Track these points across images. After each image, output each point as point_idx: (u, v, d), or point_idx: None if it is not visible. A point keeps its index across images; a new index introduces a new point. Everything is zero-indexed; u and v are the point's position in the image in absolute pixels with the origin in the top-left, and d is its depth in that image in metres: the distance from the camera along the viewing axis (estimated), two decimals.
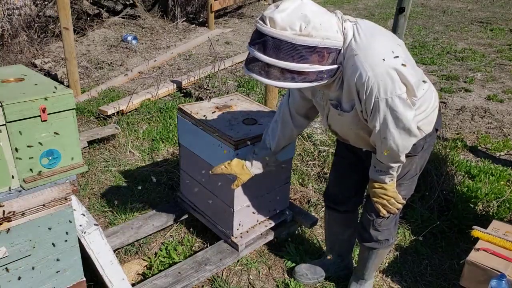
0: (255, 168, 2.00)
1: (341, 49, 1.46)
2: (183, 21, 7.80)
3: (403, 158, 1.66)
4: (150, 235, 2.54)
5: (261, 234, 2.44)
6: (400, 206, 1.82)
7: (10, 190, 1.50)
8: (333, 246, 2.29)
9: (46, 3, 6.55)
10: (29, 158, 1.50)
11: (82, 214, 2.05)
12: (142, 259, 2.43)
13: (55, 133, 1.53)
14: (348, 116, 1.63)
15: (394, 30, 2.55)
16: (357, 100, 1.53)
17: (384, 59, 1.43)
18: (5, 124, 1.41)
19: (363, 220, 1.98)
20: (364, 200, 2.09)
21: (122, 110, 4.12)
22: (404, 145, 1.59)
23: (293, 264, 2.38)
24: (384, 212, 1.82)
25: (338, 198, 2.12)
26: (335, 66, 1.47)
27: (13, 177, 1.49)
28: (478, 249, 2.12)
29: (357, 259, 2.42)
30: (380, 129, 1.55)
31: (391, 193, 1.78)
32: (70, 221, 1.70)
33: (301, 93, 1.85)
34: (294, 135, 2.00)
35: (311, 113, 1.93)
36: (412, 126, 1.54)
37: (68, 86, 3.72)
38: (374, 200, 1.82)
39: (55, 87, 1.54)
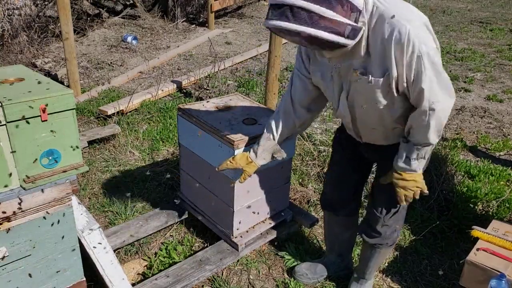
0: (260, 159, 1.96)
1: (361, 11, 1.41)
2: (183, 21, 7.81)
3: (440, 135, 1.62)
4: (150, 235, 2.54)
5: (261, 234, 2.44)
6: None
7: (10, 190, 1.50)
8: (333, 246, 2.28)
9: (46, 3, 6.55)
10: (29, 158, 1.50)
11: (82, 214, 2.05)
12: (142, 259, 2.43)
13: (55, 133, 1.53)
14: (378, 84, 1.53)
15: None
16: (393, 65, 1.46)
17: (415, 14, 1.45)
18: (5, 124, 1.41)
19: (370, 217, 1.95)
20: (368, 197, 2.07)
21: (122, 110, 4.12)
22: (448, 107, 1.54)
23: (293, 264, 2.38)
24: (405, 203, 1.77)
25: (336, 205, 2.10)
26: (359, 25, 1.41)
27: (13, 176, 1.49)
28: (478, 249, 2.12)
29: (357, 258, 2.42)
30: (427, 91, 1.48)
31: (421, 183, 1.71)
32: (70, 221, 1.70)
33: (303, 82, 1.81)
34: (296, 127, 1.95)
35: (313, 105, 1.89)
36: (450, 84, 1.52)
37: (68, 86, 3.72)
38: (402, 192, 1.73)
39: (55, 87, 1.54)
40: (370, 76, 1.53)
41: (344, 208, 2.09)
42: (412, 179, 1.70)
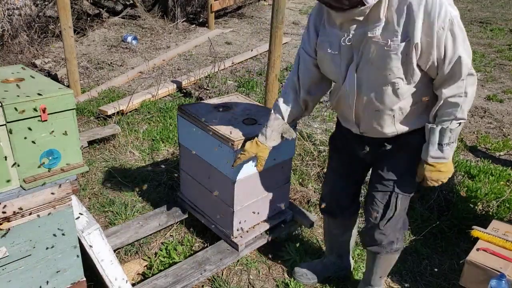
0: (270, 140, 1.91)
1: None
2: (183, 21, 7.81)
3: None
4: (150, 235, 2.54)
5: (261, 234, 2.44)
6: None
7: (10, 190, 1.50)
8: (332, 247, 2.27)
9: (46, 3, 6.56)
10: (29, 158, 1.50)
11: (82, 214, 2.05)
12: (142, 259, 2.43)
13: (55, 133, 1.53)
14: (396, 49, 1.46)
15: None
16: (417, 31, 1.41)
17: None
18: (5, 124, 1.41)
19: (367, 225, 1.92)
20: (363, 201, 2.07)
21: (122, 110, 4.12)
22: (474, 80, 1.52)
23: (293, 264, 2.38)
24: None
25: (334, 210, 2.08)
26: None
27: (13, 176, 1.49)
28: (478, 249, 2.12)
29: (357, 259, 2.43)
30: (465, 57, 1.46)
31: (451, 172, 1.67)
32: (70, 221, 1.70)
33: (306, 62, 1.77)
34: (302, 109, 1.91)
35: (313, 88, 1.85)
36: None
37: (68, 86, 3.72)
38: (433, 184, 1.68)
39: (55, 87, 1.54)
40: (389, 40, 1.46)
41: (342, 212, 2.07)
42: (446, 170, 1.65)
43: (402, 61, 1.48)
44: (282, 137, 1.94)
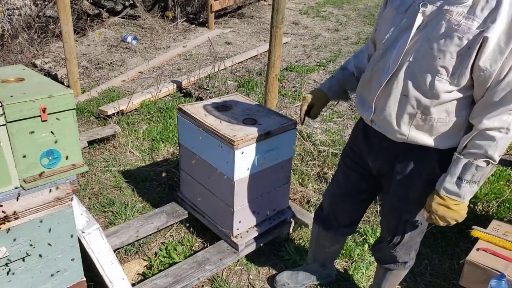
0: (331, 90, 1.84)
1: None
2: (183, 21, 7.81)
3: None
4: (150, 235, 2.54)
5: (261, 234, 2.44)
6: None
7: (10, 190, 1.50)
8: (317, 256, 2.18)
9: (46, 3, 6.55)
10: (29, 158, 1.50)
11: (82, 214, 2.05)
12: (142, 259, 2.43)
13: (55, 133, 1.53)
14: (464, 32, 1.28)
15: None
16: (496, 27, 1.24)
17: None
18: (5, 124, 1.41)
19: (380, 241, 1.85)
20: (380, 217, 1.95)
21: (122, 110, 4.12)
22: None
23: (293, 264, 2.38)
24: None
25: (330, 225, 1.99)
26: None
27: (13, 177, 1.49)
28: (478, 249, 2.12)
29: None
30: None
31: (463, 217, 1.46)
32: (70, 221, 1.70)
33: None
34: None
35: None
36: None
37: (68, 86, 3.72)
38: (436, 221, 1.48)
39: (55, 87, 1.54)
40: (462, 21, 1.28)
41: (337, 228, 1.98)
42: (457, 210, 1.43)
43: (461, 52, 1.30)
44: (345, 92, 1.86)
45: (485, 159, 1.37)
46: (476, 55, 1.29)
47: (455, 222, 1.47)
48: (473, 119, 1.39)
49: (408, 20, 1.41)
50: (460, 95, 1.38)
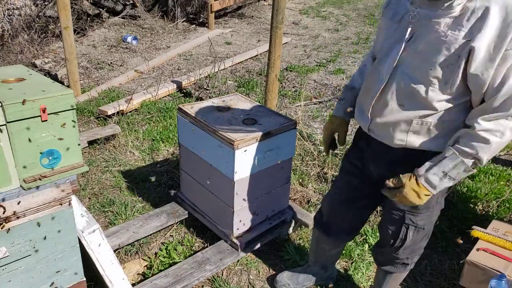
0: (346, 115, 1.80)
1: None
2: (183, 21, 7.81)
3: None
4: (150, 235, 2.54)
5: (261, 234, 2.44)
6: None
7: (10, 190, 1.50)
8: (317, 259, 2.18)
9: (46, 3, 6.55)
10: (29, 158, 1.50)
11: (82, 214, 2.05)
12: (142, 259, 2.43)
13: (55, 133, 1.53)
14: (452, 42, 1.30)
15: None
16: (484, 35, 1.25)
17: None
18: (5, 124, 1.41)
19: (382, 243, 1.84)
20: (380, 218, 1.96)
21: (122, 110, 4.13)
22: None
23: (293, 264, 2.38)
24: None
25: (330, 230, 1.97)
26: None
27: (13, 177, 1.49)
28: (478, 249, 2.12)
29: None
30: None
31: (421, 204, 1.47)
32: (70, 221, 1.70)
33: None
34: None
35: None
36: None
37: (68, 86, 3.72)
38: (398, 200, 1.51)
39: (56, 87, 1.54)
40: (450, 31, 1.31)
41: (338, 234, 1.96)
42: (423, 199, 1.45)
43: (451, 61, 1.32)
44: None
45: (474, 160, 1.38)
46: (466, 63, 1.31)
47: (411, 204, 1.48)
48: (470, 120, 1.40)
49: (399, 32, 1.45)
50: (455, 102, 1.40)
